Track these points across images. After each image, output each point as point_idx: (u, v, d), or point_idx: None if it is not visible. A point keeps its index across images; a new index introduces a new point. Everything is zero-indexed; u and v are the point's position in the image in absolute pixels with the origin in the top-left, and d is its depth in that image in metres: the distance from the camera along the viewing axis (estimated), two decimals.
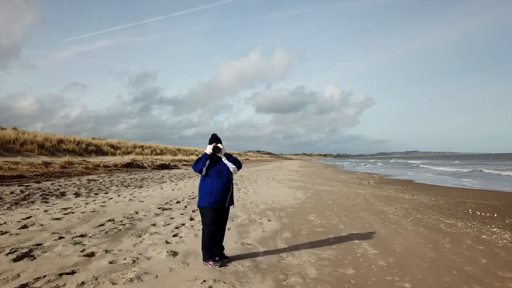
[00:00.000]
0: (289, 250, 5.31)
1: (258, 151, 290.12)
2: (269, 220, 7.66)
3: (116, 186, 14.31)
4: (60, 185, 13.72)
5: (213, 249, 4.50)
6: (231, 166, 4.62)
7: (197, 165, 4.52)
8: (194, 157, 53.77)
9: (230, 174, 4.64)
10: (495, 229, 7.18)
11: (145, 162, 31.80)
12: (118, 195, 11.40)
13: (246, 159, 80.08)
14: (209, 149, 4.55)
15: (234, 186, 15.77)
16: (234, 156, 4.72)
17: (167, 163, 33.61)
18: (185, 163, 39.36)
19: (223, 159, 4.63)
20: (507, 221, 8.09)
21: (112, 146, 41.05)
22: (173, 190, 13.41)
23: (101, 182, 15.76)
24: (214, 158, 4.61)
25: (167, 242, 5.46)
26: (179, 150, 59.05)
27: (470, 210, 9.58)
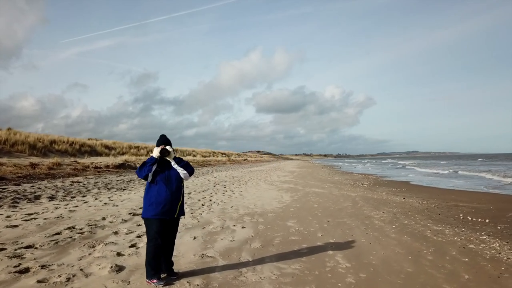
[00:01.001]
0: (252, 263, 4.81)
1: (258, 152, 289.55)
2: (243, 227, 7.15)
3: (98, 189, 13.81)
4: (39, 188, 13.23)
5: (158, 265, 3.99)
6: (181, 172, 4.11)
7: (142, 171, 3.99)
8: (191, 158, 53.16)
9: (180, 181, 4.14)
10: (484, 237, 6.67)
11: (138, 163, 31.31)
12: (95, 199, 10.90)
13: (245, 160, 79.55)
14: (156, 152, 4.03)
15: (222, 188, 15.34)
16: (186, 160, 4.21)
17: None
18: None
19: (172, 163, 4.12)
20: (498, 228, 7.58)
21: (106, 146, 40.54)
22: None
23: (84, 185, 15.26)
24: (162, 162, 4.11)
25: (118, 254, 4.96)
26: (175, 150, 58.48)
27: (461, 215, 9.06)
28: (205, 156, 63.53)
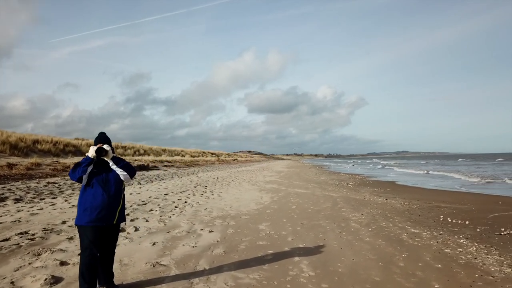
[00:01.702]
0: (208, 273, 4.41)
1: (249, 152, 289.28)
2: (210, 231, 6.75)
3: (72, 190, 13.27)
4: (9, 189, 12.63)
5: (93, 278, 3.56)
6: (121, 173, 3.70)
7: (75, 172, 3.56)
8: (178, 158, 52.35)
9: (120, 183, 3.72)
10: (462, 240, 6.37)
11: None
12: (65, 200, 10.39)
13: (234, 160, 79.06)
14: (91, 152, 3.62)
15: (202, 188, 14.89)
16: (126, 160, 3.79)
17: (145, 164, 32.47)
18: (166, 163, 38.29)
19: (110, 164, 3.70)
20: (478, 230, 7.30)
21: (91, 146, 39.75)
22: (130, 194, 12.42)
23: (59, 185, 14.69)
24: (99, 163, 3.69)
25: (62, 264, 4.52)
26: (164, 150, 57.71)
27: (441, 216, 8.79)
28: (194, 156, 62.86)
